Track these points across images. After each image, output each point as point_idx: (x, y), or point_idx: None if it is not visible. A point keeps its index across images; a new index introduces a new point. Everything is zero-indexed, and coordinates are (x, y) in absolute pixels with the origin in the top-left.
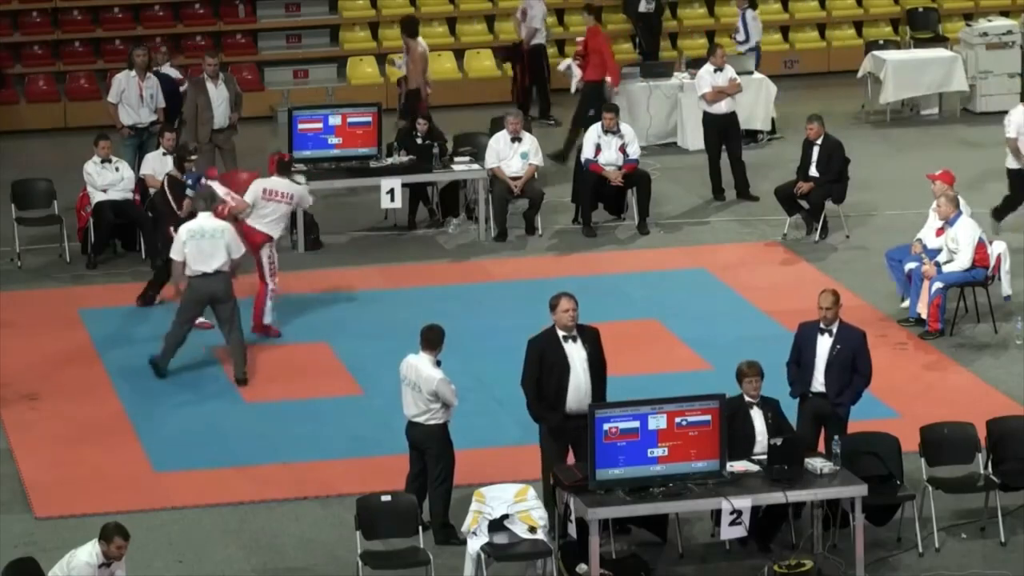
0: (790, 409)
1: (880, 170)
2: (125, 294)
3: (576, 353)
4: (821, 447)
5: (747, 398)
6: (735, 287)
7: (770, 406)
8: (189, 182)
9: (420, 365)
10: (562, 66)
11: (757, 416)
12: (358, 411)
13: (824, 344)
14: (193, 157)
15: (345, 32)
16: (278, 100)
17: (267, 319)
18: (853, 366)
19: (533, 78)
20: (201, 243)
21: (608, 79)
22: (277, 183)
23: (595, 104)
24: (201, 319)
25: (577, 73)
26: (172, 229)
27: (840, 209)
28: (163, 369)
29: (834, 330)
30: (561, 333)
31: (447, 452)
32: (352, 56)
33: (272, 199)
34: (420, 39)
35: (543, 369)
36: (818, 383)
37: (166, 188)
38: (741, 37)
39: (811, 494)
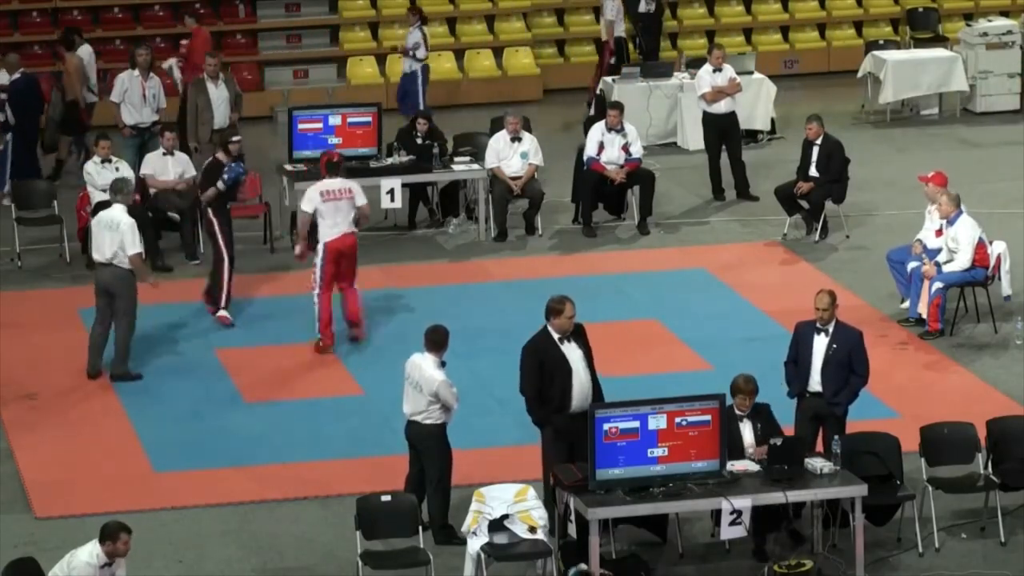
0: (788, 408)
1: (880, 170)
2: None
3: (574, 353)
4: (820, 447)
5: (736, 411)
6: (735, 287)
7: (760, 415)
8: (225, 176)
9: (424, 365)
10: (165, 65)
11: (746, 428)
12: (358, 411)
13: (820, 344)
14: (236, 139)
15: (345, 32)
16: (278, 100)
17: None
18: (850, 366)
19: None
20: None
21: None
22: (331, 183)
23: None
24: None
25: (179, 75)
26: (212, 212)
27: (840, 209)
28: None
29: (831, 330)
30: (557, 336)
31: (443, 453)
32: (352, 56)
33: (331, 199)
34: (79, 51)
35: (544, 373)
36: (815, 383)
37: (203, 168)
38: (423, 53)
39: (811, 494)
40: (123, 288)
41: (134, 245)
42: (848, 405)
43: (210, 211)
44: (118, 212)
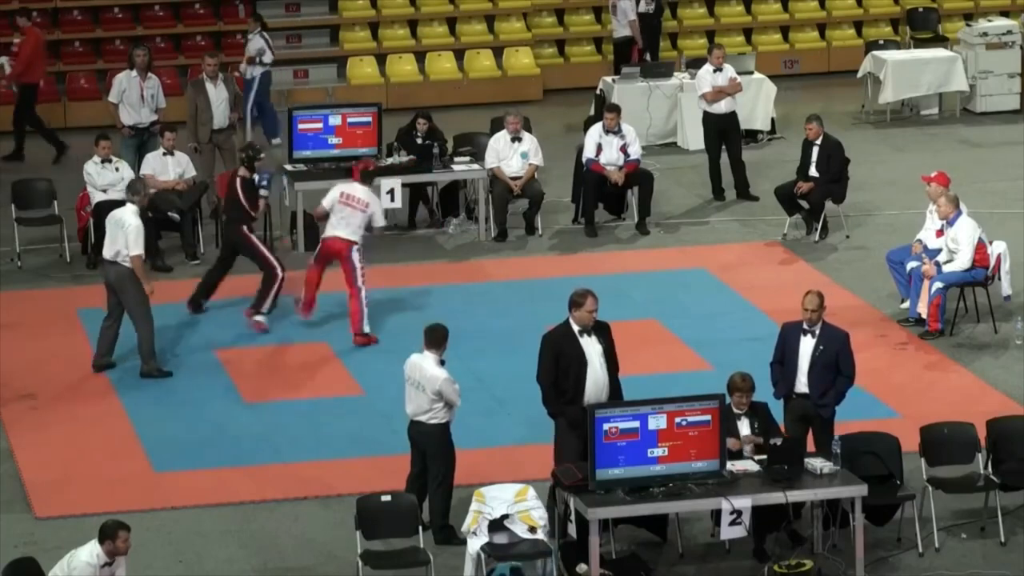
0: (776, 408)
1: (880, 170)
2: None
3: (593, 347)
4: (809, 448)
5: (734, 409)
6: (735, 287)
7: (758, 414)
8: (264, 182)
9: (424, 364)
10: None
11: (744, 426)
12: (358, 411)
13: (807, 345)
14: (262, 156)
15: (345, 32)
16: (278, 100)
17: (365, 328)
18: (836, 367)
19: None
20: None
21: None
22: (354, 188)
23: (29, 104)
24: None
25: (8, 71)
26: (246, 229)
27: (840, 209)
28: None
29: (817, 331)
30: (577, 328)
31: (447, 453)
32: (352, 56)
33: (345, 203)
34: None
35: (560, 365)
36: (802, 384)
37: (239, 190)
38: (269, 58)
39: (811, 494)
40: (127, 286)
41: (136, 247)
42: (835, 406)
43: (244, 229)
44: (128, 213)
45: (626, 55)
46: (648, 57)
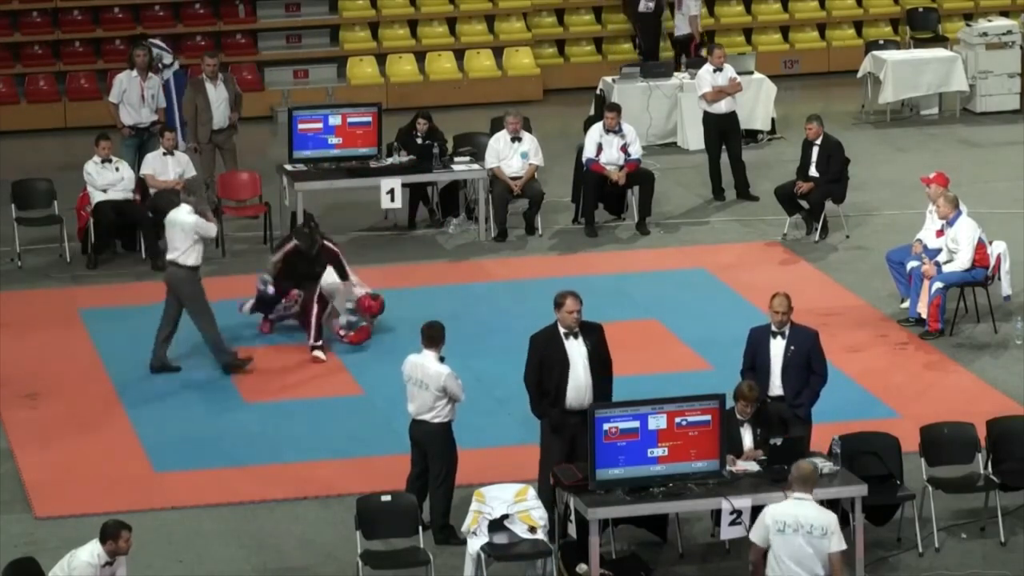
0: None
1: (880, 170)
2: (125, 294)
3: (577, 350)
4: None
5: (737, 415)
6: (735, 287)
7: (760, 421)
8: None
9: (426, 363)
10: None
11: (746, 433)
12: (358, 411)
13: (778, 347)
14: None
15: (345, 32)
16: (278, 100)
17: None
18: (809, 367)
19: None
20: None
21: None
22: None
23: None
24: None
25: None
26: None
27: (840, 209)
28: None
29: (786, 332)
30: (563, 330)
31: (449, 452)
32: (352, 56)
33: None
34: None
35: (544, 366)
36: (775, 387)
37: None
38: (168, 59)
39: None
40: (180, 287)
41: (206, 230)
42: (811, 406)
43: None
44: (182, 212)
45: (686, 51)
46: (700, 52)
